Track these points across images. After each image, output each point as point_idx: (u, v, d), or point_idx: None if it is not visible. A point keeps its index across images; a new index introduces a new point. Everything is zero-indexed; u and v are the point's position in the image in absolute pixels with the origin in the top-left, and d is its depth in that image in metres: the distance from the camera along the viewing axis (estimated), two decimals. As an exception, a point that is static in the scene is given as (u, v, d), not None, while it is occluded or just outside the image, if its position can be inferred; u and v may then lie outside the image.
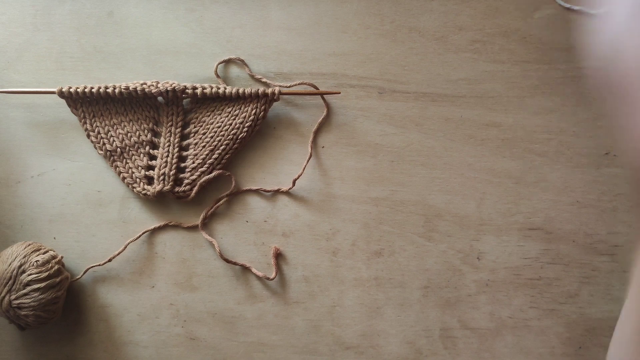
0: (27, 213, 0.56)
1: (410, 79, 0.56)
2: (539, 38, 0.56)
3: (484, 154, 0.55)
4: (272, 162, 0.56)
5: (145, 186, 0.55)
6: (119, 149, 0.55)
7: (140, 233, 0.55)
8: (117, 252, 0.55)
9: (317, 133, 0.56)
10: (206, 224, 0.56)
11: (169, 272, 0.55)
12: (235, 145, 0.55)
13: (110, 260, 0.54)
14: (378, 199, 0.55)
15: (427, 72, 0.56)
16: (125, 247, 0.55)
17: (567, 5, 0.57)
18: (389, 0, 0.58)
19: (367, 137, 0.56)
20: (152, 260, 0.55)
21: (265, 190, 0.55)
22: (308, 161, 0.55)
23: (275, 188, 0.55)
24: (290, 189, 0.55)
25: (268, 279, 0.54)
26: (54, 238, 0.56)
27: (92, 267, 0.55)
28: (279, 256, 0.55)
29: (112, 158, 0.56)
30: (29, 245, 0.52)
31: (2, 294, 0.49)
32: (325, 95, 0.56)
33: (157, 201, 0.56)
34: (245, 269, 0.55)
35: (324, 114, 0.56)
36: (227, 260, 0.54)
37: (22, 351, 0.55)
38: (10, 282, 0.50)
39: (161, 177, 0.55)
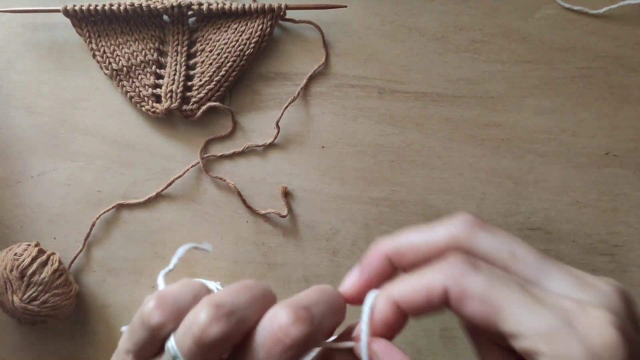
0: (27, 213, 0.56)
1: (410, 79, 0.56)
2: (540, 38, 0.56)
3: (484, 154, 0.55)
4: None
5: (154, 104, 0.55)
6: (125, 68, 0.56)
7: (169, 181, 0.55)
8: (159, 191, 0.55)
9: (310, 80, 0.56)
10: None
11: (169, 272, 0.55)
12: (242, 62, 0.56)
13: (145, 200, 0.54)
14: (378, 199, 0.55)
15: (427, 72, 0.56)
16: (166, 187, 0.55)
17: (568, 6, 0.57)
18: (389, 0, 0.58)
19: (367, 137, 0.56)
20: (152, 260, 0.55)
21: (257, 146, 0.56)
22: (290, 103, 0.55)
23: (261, 143, 0.56)
24: (276, 137, 0.56)
25: (281, 215, 0.54)
26: (54, 238, 0.56)
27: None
28: (287, 194, 0.55)
29: (118, 77, 0.56)
30: (10, 248, 0.52)
31: (10, 298, 0.49)
32: (326, 45, 0.57)
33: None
34: (264, 215, 0.55)
35: (322, 61, 0.57)
36: (246, 204, 0.55)
37: (22, 351, 0.55)
38: (9, 284, 0.50)
39: (168, 95, 0.55)
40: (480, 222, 0.27)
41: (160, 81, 0.57)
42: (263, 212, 0.55)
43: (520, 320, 0.24)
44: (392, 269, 0.29)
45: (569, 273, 0.26)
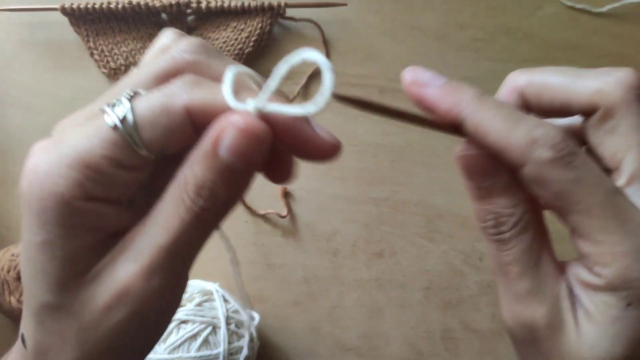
0: (24, 213, 0.56)
1: (411, 78, 0.56)
2: (542, 36, 0.56)
3: (485, 154, 0.55)
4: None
5: None
6: (123, 67, 0.55)
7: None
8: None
9: (310, 79, 0.56)
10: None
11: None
12: (242, 61, 0.56)
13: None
14: (379, 199, 0.55)
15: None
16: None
17: (570, 4, 0.56)
18: (389, -2, 0.57)
19: (368, 137, 0.55)
20: (151, 261, 0.55)
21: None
22: (290, 102, 0.55)
23: None
24: None
25: (281, 216, 0.54)
26: (52, 238, 0.55)
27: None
28: (287, 195, 0.55)
29: (116, 76, 0.56)
30: (7, 249, 0.52)
31: (7, 299, 0.49)
32: (326, 43, 0.56)
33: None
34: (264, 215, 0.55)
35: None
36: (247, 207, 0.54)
37: (20, 353, 0.55)
38: (6, 285, 0.49)
39: None
40: None
41: (159, 80, 0.56)
42: (263, 212, 0.55)
43: (591, 231, 0.23)
44: (524, 106, 0.27)
45: None
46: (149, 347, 0.26)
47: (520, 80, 0.27)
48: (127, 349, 0.24)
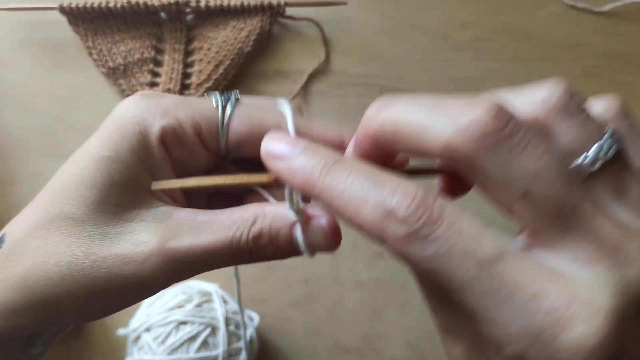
0: (22, 214, 0.55)
1: (412, 78, 0.56)
2: (543, 36, 0.56)
3: (487, 154, 0.55)
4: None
5: None
6: (122, 67, 0.55)
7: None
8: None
9: (310, 79, 0.56)
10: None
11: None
12: (241, 60, 0.55)
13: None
14: (379, 200, 0.54)
15: (429, 70, 0.56)
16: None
17: (572, 3, 0.56)
18: (390, -3, 0.57)
19: (368, 137, 0.55)
20: (150, 262, 0.55)
21: None
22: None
23: None
24: None
25: None
26: (50, 239, 0.55)
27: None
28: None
29: (114, 75, 0.56)
30: None
31: None
32: (326, 43, 0.56)
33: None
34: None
35: (322, 59, 0.56)
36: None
37: (18, 354, 0.54)
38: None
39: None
40: (509, 128, 0.19)
41: (158, 79, 0.56)
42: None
43: (473, 310, 0.19)
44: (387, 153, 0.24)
45: (598, 238, 0.19)
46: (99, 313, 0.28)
47: (373, 125, 0.22)
48: (89, 301, 0.25)
